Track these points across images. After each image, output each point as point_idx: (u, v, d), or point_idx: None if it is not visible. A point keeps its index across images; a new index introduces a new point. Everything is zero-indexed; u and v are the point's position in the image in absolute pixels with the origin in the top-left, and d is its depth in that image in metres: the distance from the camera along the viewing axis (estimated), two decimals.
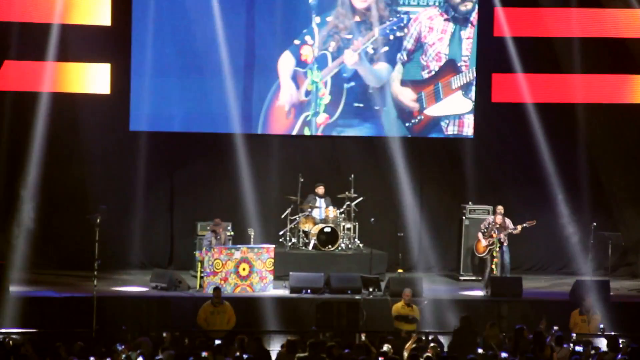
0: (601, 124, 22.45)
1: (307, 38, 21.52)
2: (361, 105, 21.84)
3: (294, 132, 21.79)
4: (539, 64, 22.14)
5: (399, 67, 21.88)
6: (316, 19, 21.52)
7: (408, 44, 21.85)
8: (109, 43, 21.00)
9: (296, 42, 21.51)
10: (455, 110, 22.12)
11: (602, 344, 15.49)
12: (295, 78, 21.59)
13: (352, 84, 21.79)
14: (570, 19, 22.07)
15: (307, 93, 21.72)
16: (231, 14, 21.25)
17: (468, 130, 22.20)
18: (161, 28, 21.17)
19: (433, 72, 22.00)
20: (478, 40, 21.98)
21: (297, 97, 21.65)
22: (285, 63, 21.54)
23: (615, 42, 22.11)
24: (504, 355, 14.12)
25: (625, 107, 22.44)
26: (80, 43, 20.83)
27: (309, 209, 21.23)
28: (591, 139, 22.41)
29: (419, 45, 21.90)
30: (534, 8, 22.04)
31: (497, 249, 20.26)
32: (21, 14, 20.69)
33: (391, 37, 21.74)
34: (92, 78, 21.14)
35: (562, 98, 22.33)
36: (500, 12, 22.00)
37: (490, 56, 22.09)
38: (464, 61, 22.02)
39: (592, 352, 14.56)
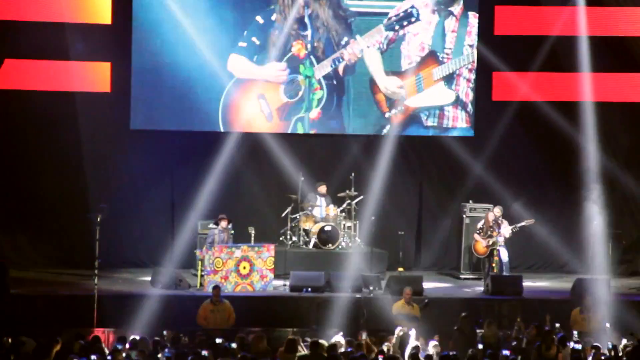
0: (602, 122, 22.42)
1: (254, 39, 21.48)
2: (350, 100, 21.87)
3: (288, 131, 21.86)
4: (539, 62, 22.12)
5: (378, 56, 21.86)
6: (258, 19, 21.47)
7: (389, 33, 21.85)
8: (109, 41, 21.00)
9: (242, 44, 21.47)
10: (437, 102, 22.10)
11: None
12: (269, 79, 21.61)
13: (343, 78, 21.85)
14: (571, 17, 22.07)
15: (294, 94, 21.70)
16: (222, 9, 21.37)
17: (448, 123, 22.18)
18: (161, 26, 21.16)
19: (414, 63, 21.98)
20: (479, 38, 21.99)
21: (280, 100, 21.68)
22: (239, 67, 21.47)
23: (616, 40, 22.11)
24: (505, 352, 14.12)
25: (625, 105, 22.43)
26: (81, 41, 20.82)
27: (310, 208, 21.23)
28: (592, 138, 22.38)
29: (402, 35, 21.87)
30: (534, 6, 22.04)
31: (497, 248, 20.23)
32: (21, 13, 20.69)
33: (400, 32, 21.72)
34: (93, 76, 21.14)
35: (562, 96, 22.32)
36: (500, 10, 22.02)
37: (491, 54, 22.07)
38: (446, 54, 22.01)
39: (592, 350, 14.56)
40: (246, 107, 21.61)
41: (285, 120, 21.77)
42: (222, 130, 21.50)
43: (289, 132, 21.82)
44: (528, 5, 22.07)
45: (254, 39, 21.42)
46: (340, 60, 21.71)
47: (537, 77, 22.24)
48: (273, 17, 21.49)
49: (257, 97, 21.68)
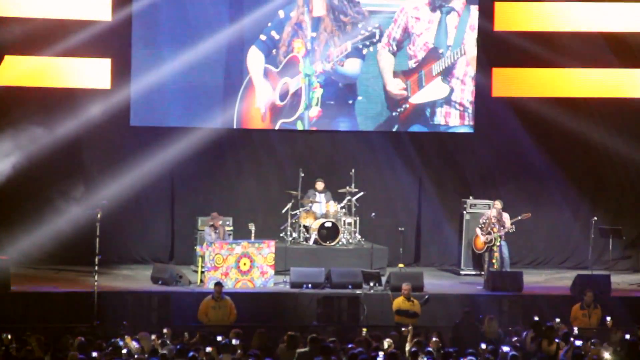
0: (601, 117, 22.45)
1: (273, 33, 21.51)
2: (350, 97, 21.87)
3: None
4: (538, 59, 22.11)
5: (390, 57, 21.87)
6: (280, 13, 21.49)
7: (396, 34, 21.85)
8: (109, 38, 21.00)
9: (262, 37, 21.50)
10: (434, 96, 22.10)
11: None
12: (267, 76, 21.58)
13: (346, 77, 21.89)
14: (570, 13, 22.08)
15: (283, 97, 21.68)
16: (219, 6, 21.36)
17: (455, 121, 22.17)
18: (161, 22, 21.18)
19: (419, 61, 22.01)
20: (478, 34, 21.97)
21: (272, 100, 21.65)
22: (254, 60, 21.50)
23: (615, 36, 22.11)
24: (505, 349, 14.12)
25: (624, 101, 22.43)
26: (81, 38, 20.82)
27: (310, 204, 21.24)
28: (591, 133, 22.39)
29: (406, 35, 21.90)
30: (534, 2, 22.04)
31: (497, 244, 20.20)
32: (22, 9, 20.69)
33: (364, 50, 21.73)
34: (93, 73, 21.14)
35: (562, 92, 22.33)
36: (500, 6, 22.02)
37: (490, 50, 22.08)
38: (449, 50, 22.04)
39: (593, 347, 14.57)
40: (247, 105, 21.62)
41: (272, 122, 21.76)
42: (233, 127, 21.50)
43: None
44: (528, 1, 22.06)
45: (272, 32, 21.49)
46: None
47: (536, 73, 22.24)
48: (292, 13, 21.52)
49: (256, 96, 21.69)
